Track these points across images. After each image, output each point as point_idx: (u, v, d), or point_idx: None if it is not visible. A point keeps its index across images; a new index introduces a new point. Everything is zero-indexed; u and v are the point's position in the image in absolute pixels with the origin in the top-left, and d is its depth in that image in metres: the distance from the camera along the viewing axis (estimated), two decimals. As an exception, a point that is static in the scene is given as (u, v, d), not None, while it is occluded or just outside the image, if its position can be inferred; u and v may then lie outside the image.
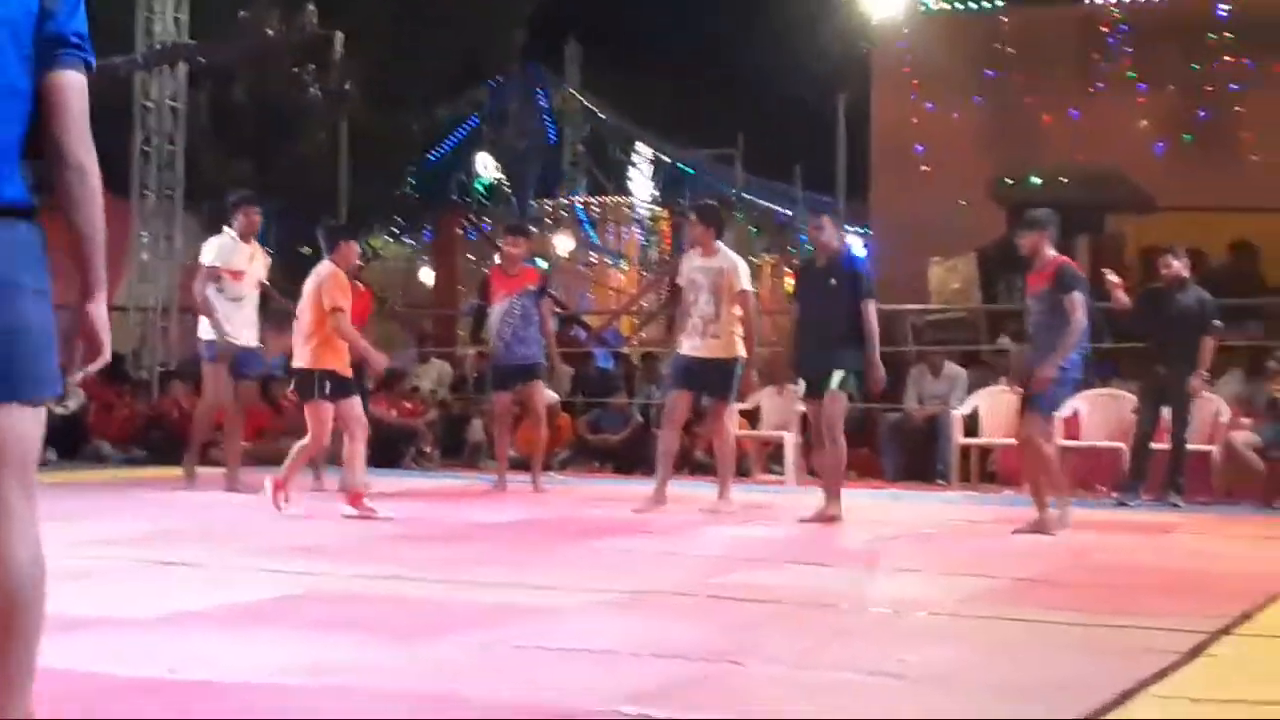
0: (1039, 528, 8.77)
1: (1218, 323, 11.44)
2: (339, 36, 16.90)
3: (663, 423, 10.21)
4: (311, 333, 9.33)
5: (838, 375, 9.28)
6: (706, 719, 3.82)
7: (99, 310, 3.04)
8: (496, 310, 11.25)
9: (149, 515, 9.12)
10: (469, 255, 29.91)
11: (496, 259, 11.81)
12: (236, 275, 10.65)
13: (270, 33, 18.53)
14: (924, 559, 7.75)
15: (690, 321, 9.82)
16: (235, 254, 10.69)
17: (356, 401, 9.45)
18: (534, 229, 32.64)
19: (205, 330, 10.64)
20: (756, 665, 4.61)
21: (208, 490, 10.72)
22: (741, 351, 9.82)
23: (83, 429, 14.91)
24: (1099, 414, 12.68)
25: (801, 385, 9.72)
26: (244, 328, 10.74)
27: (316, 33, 17.23)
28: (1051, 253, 9.15)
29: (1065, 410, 12.54)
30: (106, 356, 3.08)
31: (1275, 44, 17.94)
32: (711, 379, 9.83)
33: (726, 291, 9.76)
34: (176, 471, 11.76)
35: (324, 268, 9.43)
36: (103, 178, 3.04)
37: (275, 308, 11.83)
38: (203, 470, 11.29)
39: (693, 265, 9.98)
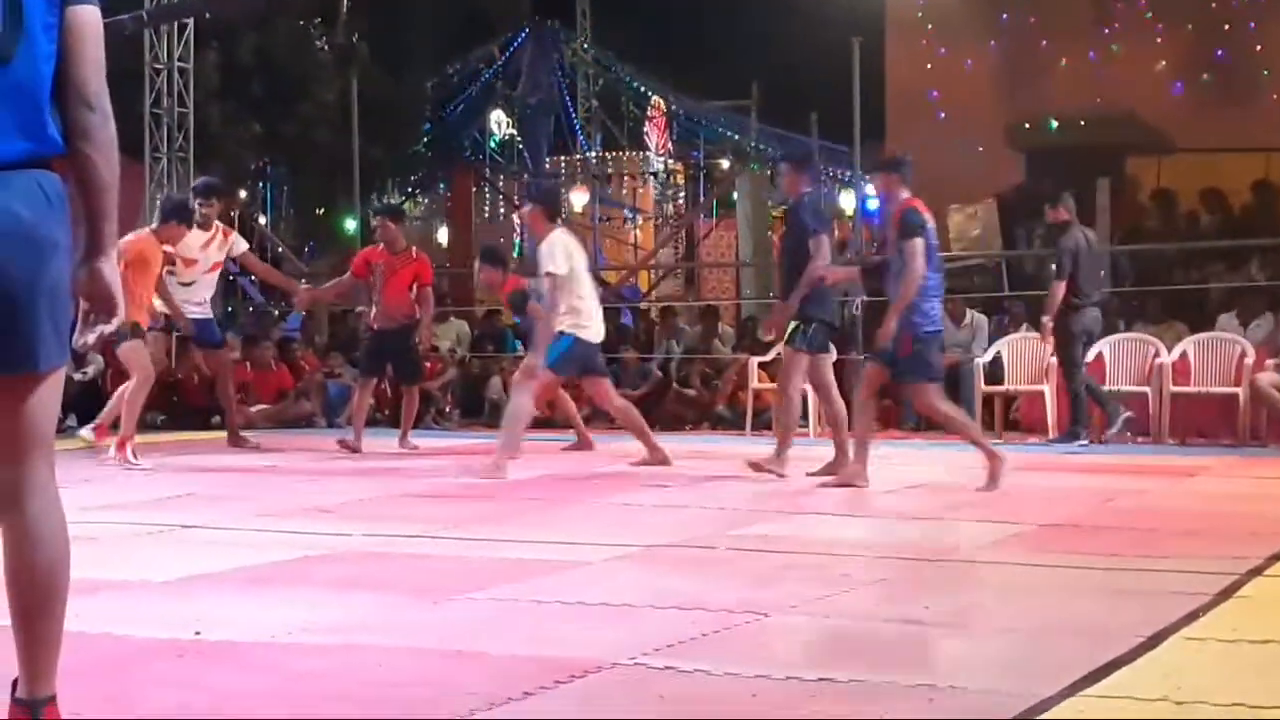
0: (847, 479, 8.45)
1: (1054, 266, 11.90)
2: None
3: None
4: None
5: (789, 329, 9.03)
6: (731, 670, 3.76)
7: (111, 268, 2.91)
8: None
9: (167, 480, 9.10)
10: (484, 213, 29.83)
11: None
12: (188, 262, 11.04)
13: None
14: (948, 507, 7.68)
15: None
16: (189, 239, 10.98)
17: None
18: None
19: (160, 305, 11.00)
20: (779, 616, 4.56)
21: (213, 455, 10.80)
22: None
23: (102, 395, 14.88)
24: (1124, 358, 12.57)
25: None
26: (190, 305, 11.18)
27: None
28: (905, 195, 8.57)
29: (1090, 354, 12.48)
30: (120, 316, 2.96)
31: (1295, -20, 17.74)
32: None
33: None
34: (195, 436, 11.87)
35: None
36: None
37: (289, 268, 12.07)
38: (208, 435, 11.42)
39: None
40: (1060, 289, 11.64)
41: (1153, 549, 5.96)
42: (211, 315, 11.71)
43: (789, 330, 9.01)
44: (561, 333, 9.27)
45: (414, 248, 12.19)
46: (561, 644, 4.13)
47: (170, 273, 10.91)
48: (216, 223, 11.45)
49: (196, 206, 11.14)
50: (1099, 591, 5.05)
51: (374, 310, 11.70)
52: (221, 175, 15.25)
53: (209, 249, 11.27)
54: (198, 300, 11.32)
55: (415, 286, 11.49)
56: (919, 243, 8.29)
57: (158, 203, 14.04)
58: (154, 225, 10.25)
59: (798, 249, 9.02)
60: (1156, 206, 17.54)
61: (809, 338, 8.91)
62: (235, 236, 11.77)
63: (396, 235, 11.75)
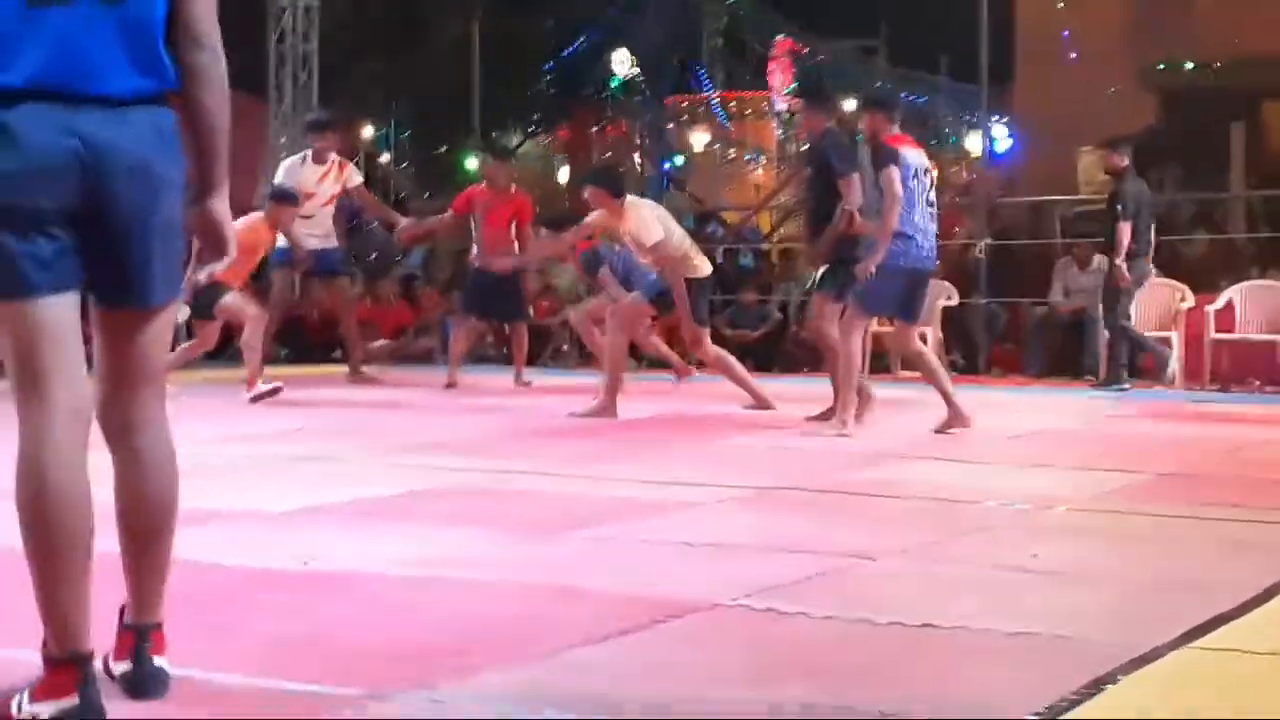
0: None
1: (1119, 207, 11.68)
2: None
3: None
4: None
5: (820, 274, 8.88)
6: (832, 615, 3.73)
7: (223, 206, 2.93)
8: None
9: (283, 414, 9.23)
10: (605, 151, 29.81)
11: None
12: (305, 195, 11.04)
13: None
14: (1066, 454, 7.56)
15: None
16: (305, 174, 11.39)
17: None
18: (670, 126, 32.52)
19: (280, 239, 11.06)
20: (885, 561, 4.52)
21: (332, 389, 10.97)
22: None
23: (226, 328, 15.14)
24: (1254, 305, 12.27)
25: None
26: (312, 237, 11.28)
27: None
28: (891, 132, 8.32)
29: (1220, 301, 12.21)
30: (232, 254, 2.98)
31: None
32: None
33: None
34: (316, 370, 12.05)
35: None
36: (236, 77, 2.94)
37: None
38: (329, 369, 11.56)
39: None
40: (1127, 230, 11.49)
41: (1274, 501, 5.81)
42: (335, 245, 11.86)
43: (819, 275, 8.88)
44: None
45: (514, 187, 12.18)
46: (665, 584, 4.13)
47: None
48: (333, 155, 11.66)
49: (316, 139, 11.47)
50: (1215, 543, 4.94)
51: (475, 249, 11.80)
52: (344, 112, 15.40)
53: (325, 181, 11.52)
54: (320, 232, 11.49)
55: (515, 225, 11.51)
56: (894, 170, 8.08)
57: (281, 144, 14.33)
58: (264, 210, 10.38)
59: (825, 192, 8.77)
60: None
61: (838, 284, 8.62)
62: (351, 169, 11.95)
63: (499, 173, 11.87)
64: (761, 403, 9.55)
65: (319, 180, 11.49)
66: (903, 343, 8.70)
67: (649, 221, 9.15)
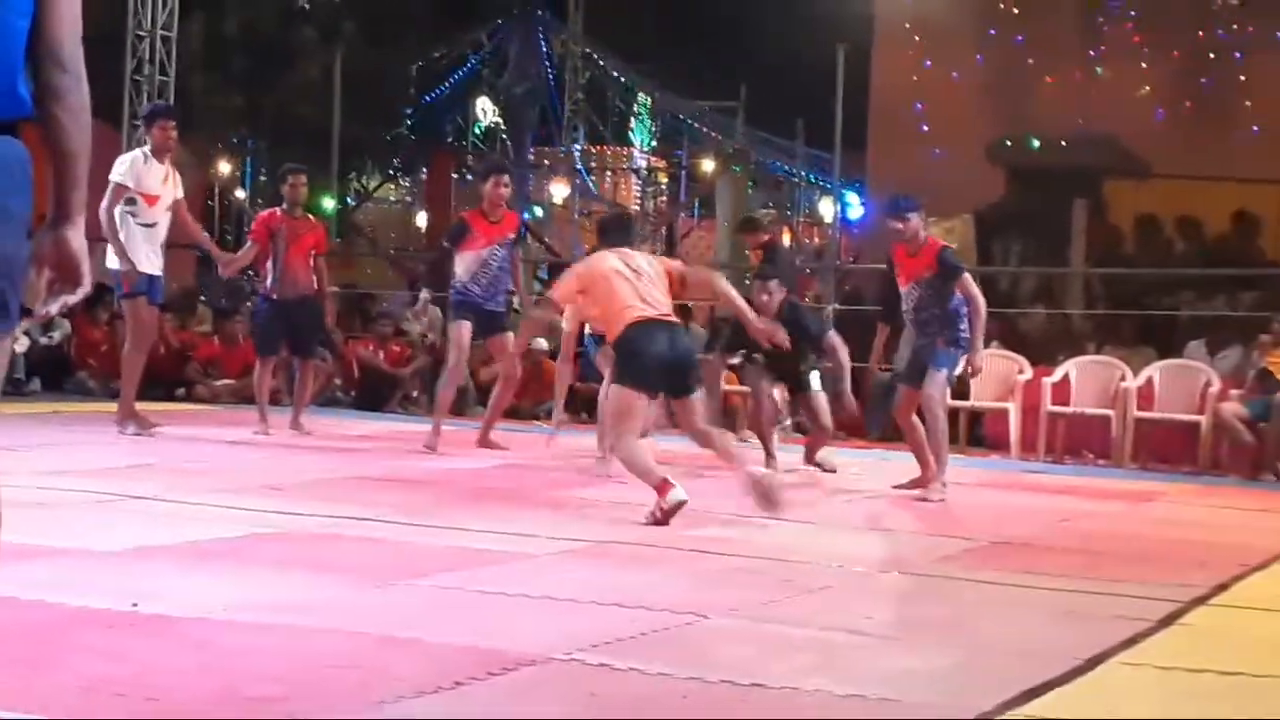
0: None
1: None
2: None
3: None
4: None
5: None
6: (665, 673, 3.74)
7: (78, 236, 2.80)
8: (470, 259, 10.25)
9: (122, 450, 9.05)
10: (463, 200, 29.73)
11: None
12: (150, 199, 9.86)
13: None
14: (903, 519, 7.69)
15: None
16: (148, 173, 9.87)
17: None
18: (530, 177, 32.60)
19: (113, 259, 9.82)
20: (719, 619, 4.54)
21: (173, 428, 10.69)
22: None
23: (67, 360, 14.82)
24: (1089, 380, 12.60)
25: None
26: (153, 255, 9.98)
27: None
28: (925, 233, 8.67)
29: (1056, 375, 12.53)
30: (86, 287, 2.85)
31: (1280, 13, 17.78)
32: None
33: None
34: (159, 407, 11.71)
35: None
36: (93, 103, 2.87)
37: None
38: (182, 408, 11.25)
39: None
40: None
41: (1101, 572, 5.96)
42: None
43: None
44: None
45: (311, 215, 11.59)
46: (498, 636, 4.11)
47: (131, 213, 9.83)
48: (169, 156, 10.18)
49: (157, 130, 10.10)
50: (1042, 611, 5.05)
51: (269, 279, 10.88)
52: (201, 146, 15.16)
53: (167, 184, 10.06)
54: (159, 248, 10.08)
55: (314, 255, 10.91)
56: (969, 277, 8.53)
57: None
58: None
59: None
60: (1137, 231, 17.61)
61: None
62: (177, 176, 10.31)
63: (298, 192, 10.98)
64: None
65: (163, 181, 9.99)
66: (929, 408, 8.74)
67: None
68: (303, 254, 10.82)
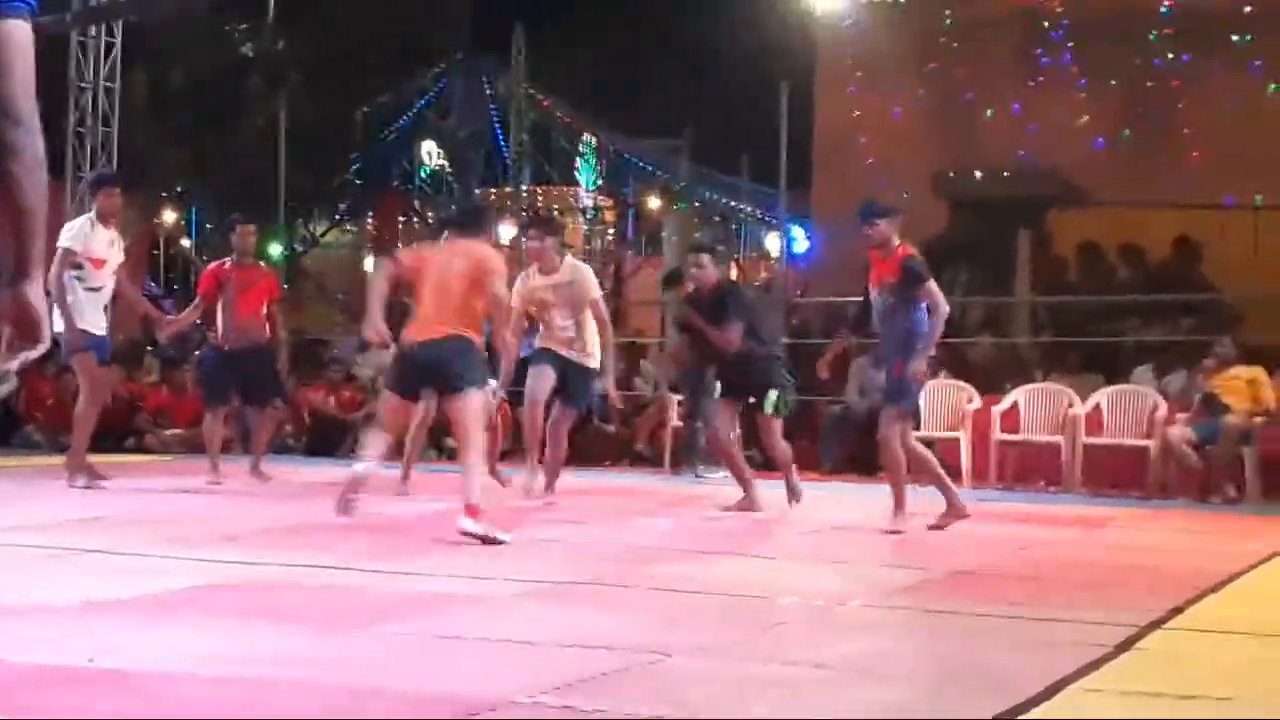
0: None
1: None
2: None
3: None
4: None
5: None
6: (630, 714, 3.74)
7: (37, 292, 2.77)
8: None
9: (72, 503, 8.98)
10: (411, 243, 29.71)
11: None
12: (97, 262, 10.06)
13: None
14: (858, 551, 7.72)
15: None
16: (94, 239, 10.08)
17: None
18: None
19: (59, 322, 9.71)
20: (682, 657, 4.54)
21: (124, 479, 10.61)
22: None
23: (15, 415, 14.70)
24: (1038, 408, 12.70)
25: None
26: (96, 316, 10.17)
27: None
28: (897, 242, 8.68)
29: (1005, 403, 12.64)
30: (45, 343, 2.81)
31: (1216, 41, 18.06)
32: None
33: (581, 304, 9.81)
34: (109, 459, 11.65)
35: None
36: None
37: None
38: (127, 459, 11.16)
39: (536, 284, 9.86)
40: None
41: (1057, 599, 6.01)
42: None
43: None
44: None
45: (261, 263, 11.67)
46: (460, 681, 4.10)
47: (78, 278, 9.98)
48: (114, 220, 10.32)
49: (102, 196, 10.25)
50: (1001, 640, 5.08)
51: (220, 329, 10.93)
52: (146, 198, 15.10)
53: (114, 248, 10.26)
54: (102, 310, 10.28)
55: (267, 303, 10.94)
56: (934, 284, 8.55)
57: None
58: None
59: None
60: (1080, 259, 17.79)
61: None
62: (120, 240, 10.50)
63: (247, 240, 11.06)
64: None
65: (109, 245, 10.20)
66: (891, 440, 8.68)
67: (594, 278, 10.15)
68: (255, 302, 10.84)
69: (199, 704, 3.79)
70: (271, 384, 11.13)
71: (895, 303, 8.56)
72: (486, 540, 7.13)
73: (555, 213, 33.96)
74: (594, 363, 9.81)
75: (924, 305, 8.55)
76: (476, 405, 7.50)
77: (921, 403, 12.26)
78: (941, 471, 8.80)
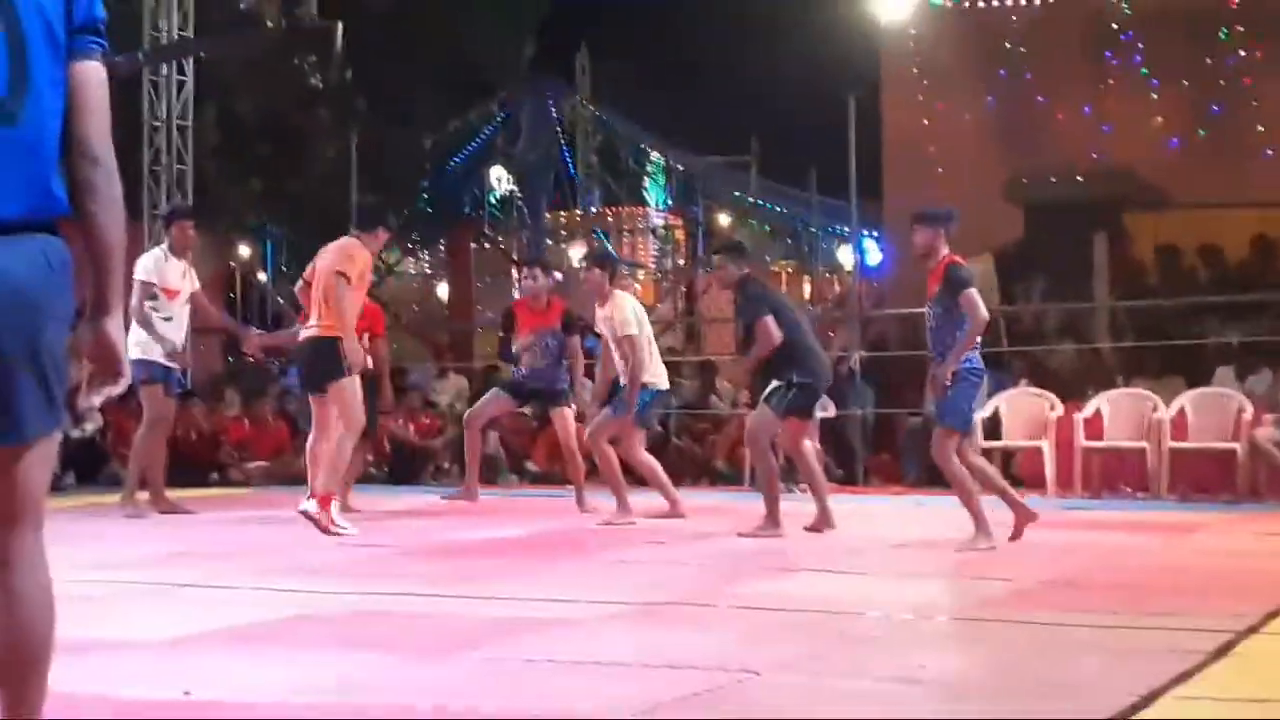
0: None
1: None
2: (339, 26, 16.73)
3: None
4: None
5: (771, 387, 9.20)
6: (721, 731, 3.74)
7: (117, 328, 2.84)
8: (522, 343, 10.74)
9: (162, 538, 9.07)
10: (485, 270, 29.93)
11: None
12: (171, 293, 10.29)
13: (270, 24, 18.44)
14: (946, 563, 7.66)
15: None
16: (168, 270, 10.30)
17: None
18: (548, 242, 32.72)
19: (135, 350, 9.72)
20: (771, 675, 4.53)
21: (210, 511, 10.73)
22: None
23: (101, 452, 14.87)
24: (1122, 414, 12.56)
25: None
26: (170, 347, 10.28)
27: (317, 24, 17.09)
28: (945, 250, 8.42)
29: (1088, 409, 12.50)
30: (126, 378, 2.89)
31: (1288, 36, 17.84)
32: None
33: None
34: (194, 493, 11.77)
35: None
36: None
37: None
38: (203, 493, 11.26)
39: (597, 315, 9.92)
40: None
41: (1149, 606, 5.94)
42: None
43: (769, 389, 9.06)
44: (644, 385, 9.72)
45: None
46: (551, 704, 4.11)
47: (153, 308, 10.16)
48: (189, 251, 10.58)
49: (176, 229, 10.46)
50: (1094, 650, 5.02)
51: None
52: (220, 234, 15.24)
53: (186, 279, 10.45)
54: (179, 335, 10.42)
55: (369, 336, 10.71)
56: (974, 292, 8.23)
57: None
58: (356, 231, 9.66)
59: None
60: (1158, 261, 17.61)
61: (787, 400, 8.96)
62: (194, 270, 10.68)
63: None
64: (676, 511, 9.90)
65: (182, 276, 10.39)
66: (947, 456, 8.37)
67: (629, 315, 9.70)
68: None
69: (294, 734, 3.82)
70: (373, 416, 11.12)
71: (941, 313, 8.34)
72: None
73: (626, 233, 34.09)
74: (646, 377, 9.73)
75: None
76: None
77: (984, 413, 12.07)
78: (1004, 483, 8.65)
